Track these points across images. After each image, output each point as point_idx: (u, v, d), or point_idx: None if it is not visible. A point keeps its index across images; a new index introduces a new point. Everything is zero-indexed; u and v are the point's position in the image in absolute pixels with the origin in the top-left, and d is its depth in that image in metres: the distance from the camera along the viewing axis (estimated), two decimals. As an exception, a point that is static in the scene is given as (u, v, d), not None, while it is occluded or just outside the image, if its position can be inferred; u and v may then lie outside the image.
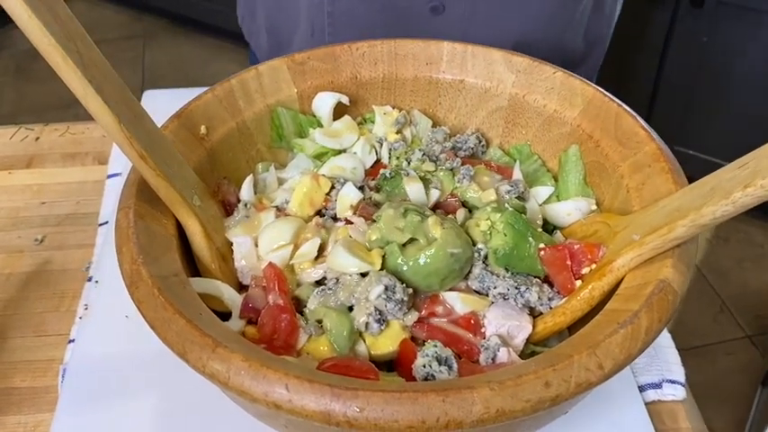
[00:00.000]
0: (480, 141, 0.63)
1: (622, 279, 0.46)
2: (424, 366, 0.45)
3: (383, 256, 0.49)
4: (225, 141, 0.57)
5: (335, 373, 0.41)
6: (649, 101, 2.07)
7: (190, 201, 0.48)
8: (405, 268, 0.48)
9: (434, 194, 0.55)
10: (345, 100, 0.62)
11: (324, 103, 0.61)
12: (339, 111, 0.63)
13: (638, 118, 0.53)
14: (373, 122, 0.63)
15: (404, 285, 0.47)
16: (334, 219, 0.55)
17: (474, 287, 0.50)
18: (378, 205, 0.54)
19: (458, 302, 0.48)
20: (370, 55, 0.63)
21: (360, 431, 0.36)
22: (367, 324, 0.47)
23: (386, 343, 0.46)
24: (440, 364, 0.45)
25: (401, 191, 0.56)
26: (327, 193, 0.56)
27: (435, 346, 0.45)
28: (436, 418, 0.35)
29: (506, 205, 0.53)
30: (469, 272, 0.50)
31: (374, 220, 0.52)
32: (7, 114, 2.60)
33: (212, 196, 0.55)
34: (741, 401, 1.64)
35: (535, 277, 0.50)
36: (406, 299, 0.47)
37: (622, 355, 0.38)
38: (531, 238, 0.50)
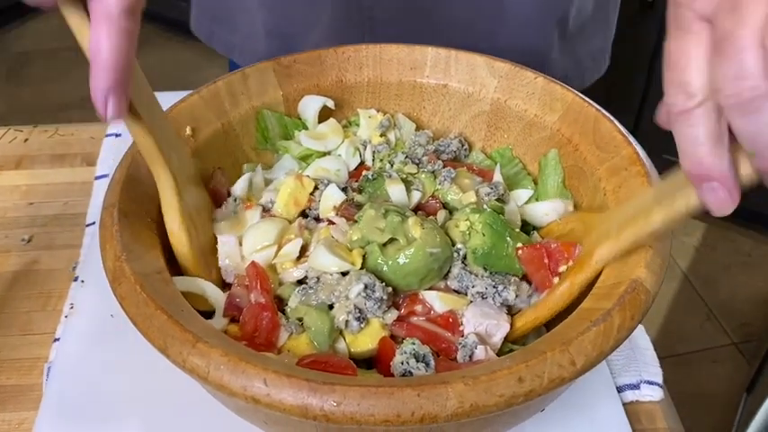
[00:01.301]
0: (463, 145, 0.64)
1: (600, 273, 0.46)
2: (402, 363, 0.45)
3: (364, 256, 0.50)
4: (210, 143, 0.58)
5: (314, 368, 0.41)
6: (638, 110, 2.09)
7: (167, 156, 0.48)
8: (385, 268, 0.49)
9: (416, 196, 0.56)
10: (331, 104, 0.63)
11: (309, 105, 0.62)
12: (324, 114, 0.64)
13: (616, 123, 0.55)
14: (358, 125, 0.64)
15: (383, 284, 0.48)
16: (317, 219, 0.56)
17: (453, 286, 0.51)
18: (360, 206, 0.55)
19: (437, 301, 0.49)
20: (356, 59, 0.64)
21: (337, 425, 0.37)
22: (347, 322, 0.47)
23: (365, 341, 0.47)
24: (417, 361, 0.45)
25: (383, 192, 0.56)
26: (311, 194, 0.57)
27: (413, 343, 0.46)
28: (411, 412, 0.36)
29: (485, 206, 0.54)
30: (449, 271, 0.51)
31: (356, 221, 0.52)
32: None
33: (203, 183, 0.55)
34: (726, 408, 1.66)
35: (513, 276, 0.51)
36: (385, 297, 0.48)
37: (595, 351, 0.39)
38: (508, 238, 0.51)
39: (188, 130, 0.57)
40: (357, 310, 0.47)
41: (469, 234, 0.52)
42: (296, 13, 0.81)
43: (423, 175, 0.58)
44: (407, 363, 0.45)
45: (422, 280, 0.49)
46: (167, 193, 0.49)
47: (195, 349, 0.39)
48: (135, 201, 0.49)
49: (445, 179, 0.57)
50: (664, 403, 0.58)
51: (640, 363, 0.59)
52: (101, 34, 0.38)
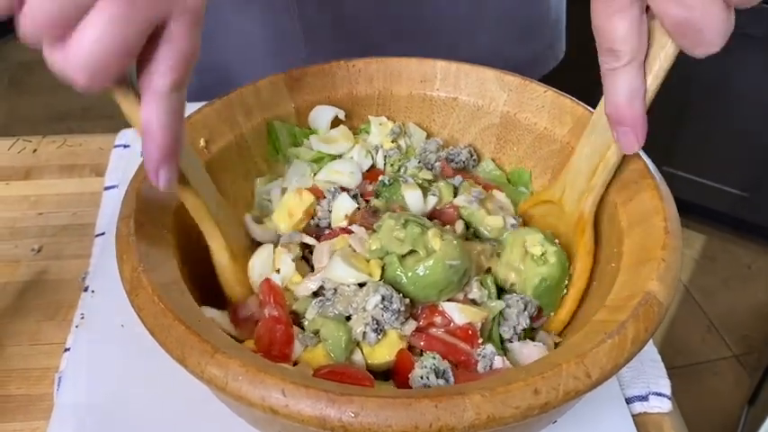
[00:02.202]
0: (472, 156, 0.64)
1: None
2: (422, 378, 0.45)
3: (382, 267, 0.50)
4: (223, 154, 0.58)
5: (331, 379, 0.42)
6: None
7: (215, 214, 0.49)
8: (404, 279, 0.49)
9: (432, 201, 0.57)
10: (342, 115, 0.64)
11: (321, 115, 0.63)
12: (334, 124, 0.64)
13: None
14: (368, 133, 0.65)
15: (401, 295, 0.48)
16: (325, 227, 0.57)
17: (472, 297, 0.51)
18: (376, 212, 0.55)
19: (456, 313, 0.49)
20: (366, 72, 0.65)
21: (354, 435, 0.37)
22: (364, 334, 0.48)
23: (383, 353, 0.47)
24: (437, 377, 0.46)
25: (399, 198, 0.57)
26: (318, 203, 0.57)
27: (434, 357, 0.46)
28: (429, 423, 0.36)
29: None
30: (467, 283, 0.51)
31: (374, 230, 0.53)
32: (2, 126, 2.61)
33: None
34: (728, 420, 1.66)
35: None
36: (403, 309, 0.48)
37: (609, 364, 0.40)
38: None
39: (202, 142, 0.57)
40: (375, 322, 0.47)
41: (543, 260, 0.53)
42: (227, 44, 0.80)
43: (441, 184, 0.58)
44: (427, 378, 0.45)
45: (441, 291, 0.50)
46: (219, 251, 0.51)
47: (214, 360, 0.39)
48: (150, 211, 0.49)
49: (473, 200, 0.57)
50: (672, 415, 0.58)
51: (649, 375, 0.60)
52: (151, 112, 0.39)
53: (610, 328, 0.41)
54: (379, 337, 0.48)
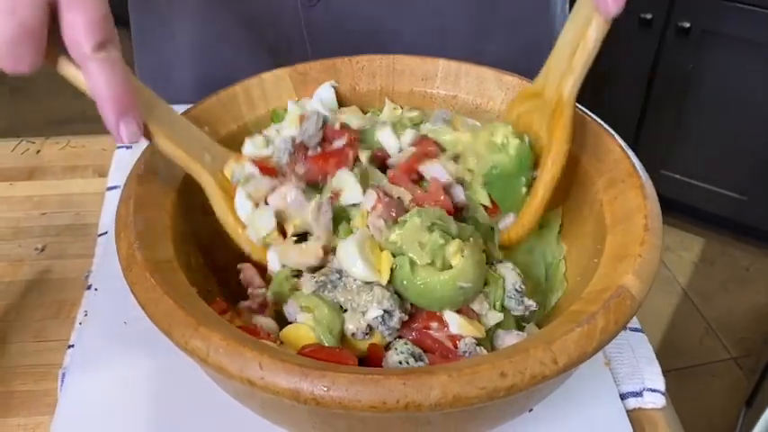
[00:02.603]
0: None
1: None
2: (401, 363, 0.47)
3: (392, 268, 0.49)
4: (226, 144, 0.60)
5: (317, 357, 0.43)
6: (636, 126, 2.12)
7: (200, 158, 0.51)
8: (410, 288, 0.49)
9: (408, 136, 0.58)
10: (335, 84, 0.65)
11: (325, 94, 0.65)
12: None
13: (617, 137, 0.56)
14: (380, 112, 0.67)
15: (402, 314, 0.48)
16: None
17: (474, 308, 0.51)
18: (401, 204, 0.53)
19: (455, 324, 0.49)
20: (369, 68, 0.67)
21: (326, 409, 0.38)
22: (354, 333, 0.48)
23: (364, 344, 0.49)
24: (416, 360, 0.47)
25: (375, 142, 0.58)
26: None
27: (406, 344, 0.48)
28: (396, 399, 0.38)
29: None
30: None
31: (397, 222, 0.51)
32: (2, 131, 2.60)
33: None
34: (726, 422, 1.65)
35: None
36: (398, 327, 0.48)
37: (577, 351, 0.41)
38: (523, 178, 0.54)
39: (205, 130, 0.59)
40: (368, 328, 0.48)
41: (501, 148, 0.53)
42: (232, 57, 0.82)
43: (414, 113, 0.60)
44: (407, 363, 0.47)
45: (443, 306, 0.49)
46: (212, 191, 0.52)
47: (197, 332, 0.41)
48: (150, 194, 0.51)
49: (437, 119, 0.58)
50: (666, 411, 0.59)
51: (644, 371, 0.61)
52: (90, 77, 0.42)
53: (580, 318, 0.42)
54: (367, 337, 0.49)
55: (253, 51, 0.64)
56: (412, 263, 0.48)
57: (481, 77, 0.65)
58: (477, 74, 0.65)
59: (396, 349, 0.47)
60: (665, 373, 0.61)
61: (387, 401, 0.38)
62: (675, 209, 2.12)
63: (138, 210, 0.50)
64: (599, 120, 0.58)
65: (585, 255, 0.54)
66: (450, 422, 0.43)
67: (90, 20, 0.41)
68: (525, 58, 0.64)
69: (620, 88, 2.05)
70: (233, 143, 0.61)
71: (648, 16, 1.91)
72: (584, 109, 0.59)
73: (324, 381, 0.38)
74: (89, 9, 0.41)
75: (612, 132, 0.57)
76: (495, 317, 0.51)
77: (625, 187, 0.53)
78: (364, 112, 0.66)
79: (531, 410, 0.51)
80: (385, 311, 0.47)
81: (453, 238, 0.49)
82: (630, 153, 0.55)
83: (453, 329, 0.49)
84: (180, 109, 0.58)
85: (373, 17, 0.76)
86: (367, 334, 0.48)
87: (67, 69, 0.44)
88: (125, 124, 0.44)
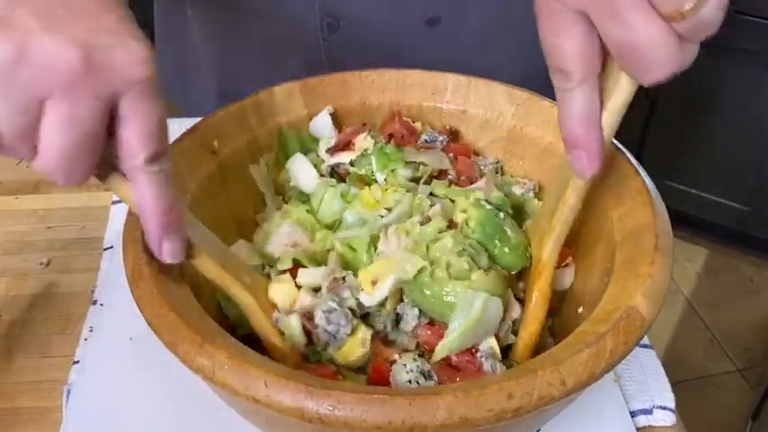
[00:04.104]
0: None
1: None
2: (410, 382, 0.47)
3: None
4: (235, 156, 0.61)
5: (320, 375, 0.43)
6: (640, 137, 2.12)
7: (240, 279, 0.50)
8: (426, 296, 0.50)
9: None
10: (331, 110, 0.65)
11: (321, 121, 0.65)
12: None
13: (627, 153, 0.56)
14: None
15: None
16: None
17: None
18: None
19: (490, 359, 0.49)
20: (379, 83, 0.67)
21: (331, 428, 0.38)
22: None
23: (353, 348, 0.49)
24: (426, 379, 0.47)
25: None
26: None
27: (415, 360, 0.48)
28: (402, 420, 0.38)
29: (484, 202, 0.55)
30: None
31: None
32: None
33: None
34: (732, 435, 1.65)
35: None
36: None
37: (585, 373, 0.40)
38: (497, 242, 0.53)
39: (215, 144, 0.59)
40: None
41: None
42: (251, 73, 0.81)
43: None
44: (416, 382, 0.47)
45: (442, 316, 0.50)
46: (253, 312, 0.50)
47: (203, 350, 0.41)
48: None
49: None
50: (676, 428, 0.59)
51: (653, 388, 0.61)
52: (139, 191, 0.40)
53: (589, 339, 0.42)
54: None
55: (271, 71, 0.64)
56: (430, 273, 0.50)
57: (491, 92, 0.65)
58: (488, 88, 0.65)
59: (404, 365, 0.47)
60: (670, 384, 0.61)
61: (392, 422, 0.38)
62: (680, 220, 2.12)
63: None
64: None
65: (596, 273, 0.54)
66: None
67: (147, 130, 0.39)
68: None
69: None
70: (242, 157, 0.62)
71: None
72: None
73: (329, 400, 0.38)
74: (147, 118, 0.38)
75: (623, 149, 0.56)
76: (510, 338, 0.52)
77: (635, 205, 0.52)
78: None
79: (538, 430, 0.50)
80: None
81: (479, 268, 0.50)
82: (641, 170, 0.54)
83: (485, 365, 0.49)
84: (193, 122, 0.59)
85: (393, 44, 0.76)
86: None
87: (113, 179, 0.41)
88: (169, 241, 0.43)
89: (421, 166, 0.61)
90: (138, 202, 0.41)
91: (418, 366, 0.47)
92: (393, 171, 0.60)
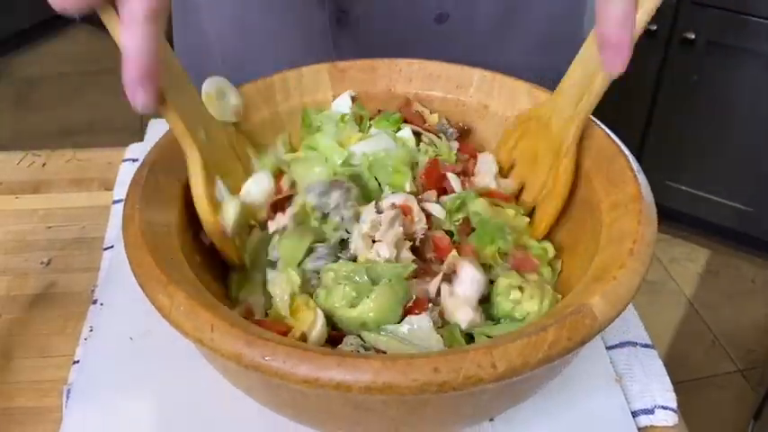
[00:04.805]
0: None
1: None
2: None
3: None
4: (257, 128, 0.64)
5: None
6: (641, 136, 2.10)
7: (195, 134, 0.51)
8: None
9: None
10: (353, 93, 0.67)
11: (342, 103, 0.67)
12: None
13: (630, 159, 0.55)
14: None
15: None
16: None
17: None
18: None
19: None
20: (407, 72, 0.68)
21: (266, 375, 0.40)
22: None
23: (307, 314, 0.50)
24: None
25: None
26: None
27: (357, 338, 0.49)
28: (329, 377, 0.39)
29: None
30: None
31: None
32: (7, 142, 2.64)
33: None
34: (734, 436, 1.60)
35: None
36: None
37: (519, 360, 0.40)
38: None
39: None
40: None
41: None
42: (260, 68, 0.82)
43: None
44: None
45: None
46: (195, 169, 0.53)
47: (166, 290, 0.44)
48: (169, 163, 0.55)
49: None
50: (678, 428, 0.58)
51: (655, 389, 0.60)
52: (128, 36, 0.43)
53: (531, 329, 0.42)
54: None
55: (277, 64, 0.67)
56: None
57: (514, 89, 0.65)
58: (511, 86, 0.65)
59: (346, 343, 0.49)
60: (672, 385, 0.60)
61: (320, 378, 0.39)
62: (681, 220, 2.13)
63: (152, 176, 0.53)
64: (615, 137, 0.57)
65: (577, 274, 0.53)
66: (391, 413, 0.44)
67: None
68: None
69: (625, 99, 2.03)
70: (264, 129, 0.65)
71: (653, 27, 1.90)
72: (601, 125, 0.58)
73: (264, 350, 0.40)
74: None
75: (628, 154, 0.56)
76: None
77: (625, 212, 0.51)
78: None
79: (492, 420, 0.51)
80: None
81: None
82: (641, 177, 0.53)
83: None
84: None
85: (401, 40, 0.77)
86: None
87: (110, 18, 0.44)
88: (142, 92, 0.45)
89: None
90: (125, 47, 0.43)
91: (359, 342, 0.48)
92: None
